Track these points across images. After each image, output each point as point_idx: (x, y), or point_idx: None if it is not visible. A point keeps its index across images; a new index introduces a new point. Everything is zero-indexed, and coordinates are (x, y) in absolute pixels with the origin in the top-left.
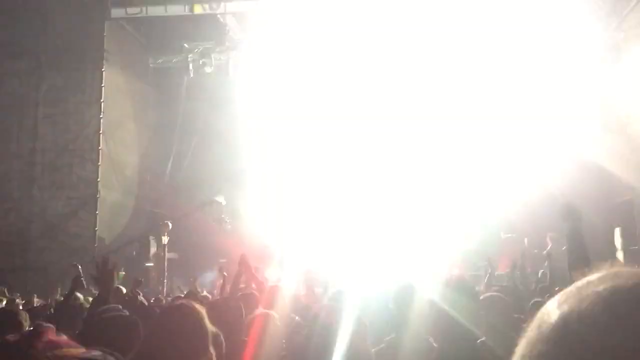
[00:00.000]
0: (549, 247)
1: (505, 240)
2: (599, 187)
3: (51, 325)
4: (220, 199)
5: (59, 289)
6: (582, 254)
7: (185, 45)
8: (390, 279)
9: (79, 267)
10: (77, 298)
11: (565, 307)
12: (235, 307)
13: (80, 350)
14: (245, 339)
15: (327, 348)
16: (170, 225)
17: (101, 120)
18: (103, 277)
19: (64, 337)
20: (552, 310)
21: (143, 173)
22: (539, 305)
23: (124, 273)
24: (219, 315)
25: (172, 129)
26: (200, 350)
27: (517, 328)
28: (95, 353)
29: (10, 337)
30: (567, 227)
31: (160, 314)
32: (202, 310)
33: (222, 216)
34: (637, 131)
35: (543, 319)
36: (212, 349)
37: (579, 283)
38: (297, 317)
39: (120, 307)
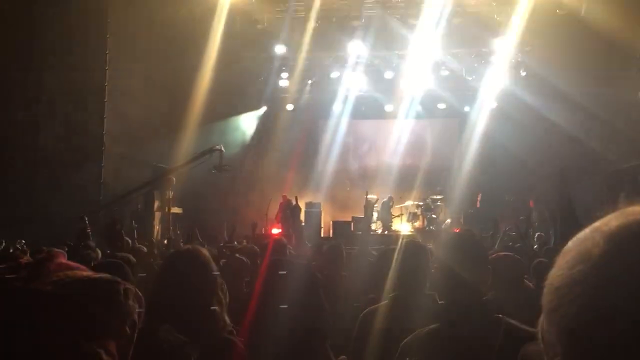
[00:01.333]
0: (532, 213)
1: (510, 202)
2: (606, 153)
3: (62, 251)
4: (220, 146)
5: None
6: (572, 219)
7: None
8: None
9: (86, 219)
10: (89, 247)
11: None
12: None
13: (91, 273)
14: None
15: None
16: (174, 180)
17: (106, 72)
18: (112, 236)
19: (75, 264)
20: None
21: (148, 125)
22: (543, 265)
23: (136, 226)
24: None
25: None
26: (209, 292)
27: (524, 286)
28: (105, 275)
29: (24, 259)
30: (558, 193)
31: (169, 257)
32: (208, 254)
33: (223, 164)
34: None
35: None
36: (220, 293)
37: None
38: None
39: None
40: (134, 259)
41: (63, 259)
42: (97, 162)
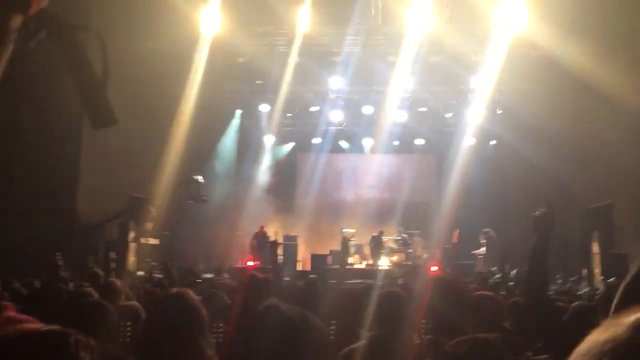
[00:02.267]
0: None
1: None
2: (579, 191)
3: (10, 303)
4: (198, 177)
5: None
6: (541, 270)
7: (174, 30)
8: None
9: (58, 257)
10: (60, 279)
11: None
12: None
13: (40, 325)
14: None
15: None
16: (154, 212)
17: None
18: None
19: (25, 316)
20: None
21: (124, 155)
22: (519, 305)
23: (115, 257)
24: None
25: None
26: (200, 335)
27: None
28: (55, 327)
29: None
30: (535, 236)
31: (158, 301)
32: (195, 297)
33: (200, 194)
34: (611, 139)
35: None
36: (209, 335)
37: None
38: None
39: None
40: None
41: (11, 312)
42: (72, 191)
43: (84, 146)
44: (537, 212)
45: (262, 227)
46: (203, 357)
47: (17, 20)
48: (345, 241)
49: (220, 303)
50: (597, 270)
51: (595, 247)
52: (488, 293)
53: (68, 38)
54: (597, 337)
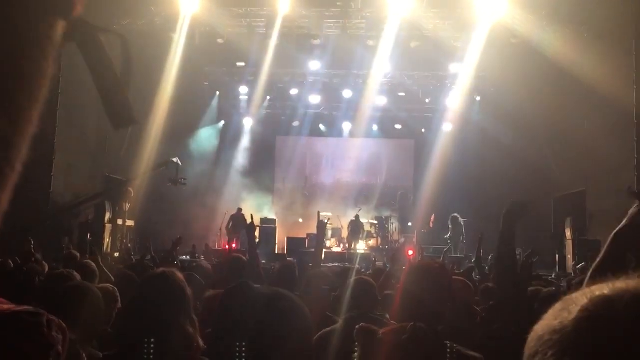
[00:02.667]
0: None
1: (464, 224)
2: (554, 177)
3: None
4: (176, 159)
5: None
6: (508, 259)
7: (152, 8)
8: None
9: (31, 241)
10: (35, 260)
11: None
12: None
13: (11, 306)
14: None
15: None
16: (132, 192)
17: (60, 81)
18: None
19: None
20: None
21: (101, 135)
22: (490, 290)
23: (91, 239)
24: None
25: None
26: (185, 314)
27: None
28: (27, 308)
29: None
30: (503, 224)
31: (144, 280)
32: (182, 276)
33: (179, 177)
34: (587, 126)
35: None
36: (194, 315)
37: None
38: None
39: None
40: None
41: None
42: (47, 172)
43: (60, 125)
44: (509, 206)
45: (239, 210)
46: (186, 334)
47: (61, 26)
48: (321, 224)
49: (197, 285)
50: (569, 256)
51: (569, 233)
52: (460, 278)
53: (92, 39)
54: (550, 320)
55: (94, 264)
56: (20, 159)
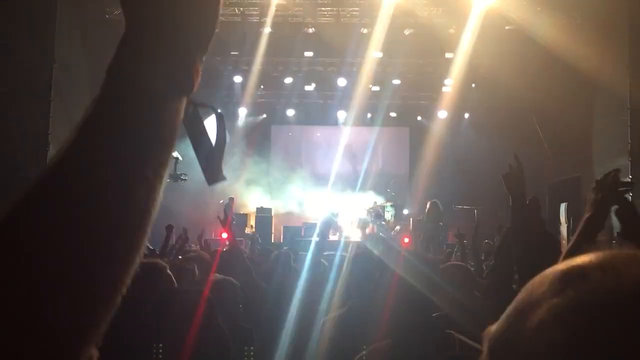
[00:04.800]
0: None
1: (458, 212)
2: (548, 164)
3: None
4: (176, 154)
5: None
6: (524, 228)
7: None
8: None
9: None
10: None
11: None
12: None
13: None
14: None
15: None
16: None
17: (53, 70)
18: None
19: None
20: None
21: None
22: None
23: None
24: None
25: None
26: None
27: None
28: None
29: None
30: (510, 197)
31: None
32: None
33: (178, 172)
34: (581, 112)
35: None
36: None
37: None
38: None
39: None
40: None
41: None
42: (41, 163)
43: (54, 118)
44: (506, 171)
45: (232, 199)
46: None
47: (185, 104)
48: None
49: (189, 277)
50: (564, 242)
51: (563, 219)
52: (459, 263)
53: (193, 112)
54: (530, 291)
55: None
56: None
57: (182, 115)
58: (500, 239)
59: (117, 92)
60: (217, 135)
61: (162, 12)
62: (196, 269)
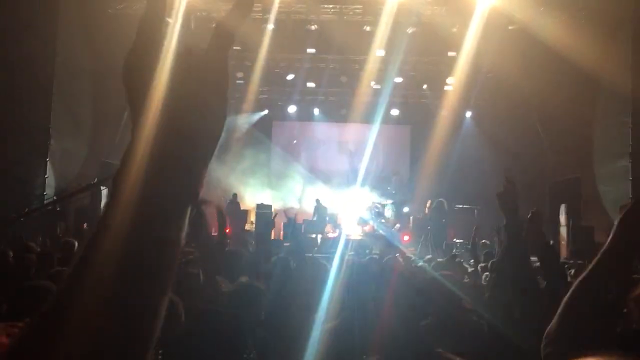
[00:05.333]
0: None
1: (458, 211)
2: (549, 164)
3: None
4: None
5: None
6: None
7: None
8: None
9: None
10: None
11: None
12: None
13: None
14: None
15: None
16: None
17: (54, 64)
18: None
19: None
20: None
21: (97, 121)
22: (477, 285)
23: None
24: None
25: None
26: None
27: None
28: None
29: None
30: (505, 217)
31: None
32: None
33: None
34: (585, 112)
35: None
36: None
37: None
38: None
39: None
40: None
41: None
42: (42, 157)
43: (55, 111)
44: (500, 189)
45: (235, 195)
46: None
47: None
48: (320, 209)
49: (196, 283)
50: (563, 242)
51: (563, 219)
52: (447, 272)
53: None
54: None
55: (75, 243)
56: None
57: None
58: (499, 254)
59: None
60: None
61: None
62: (201, 274)
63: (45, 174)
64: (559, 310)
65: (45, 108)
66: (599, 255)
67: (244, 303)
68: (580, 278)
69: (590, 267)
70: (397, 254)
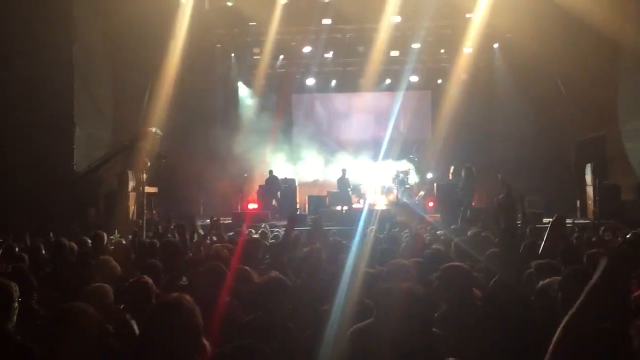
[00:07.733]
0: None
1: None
2: (574, 123)
3: None
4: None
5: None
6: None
7: None
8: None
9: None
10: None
11: None
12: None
13: None
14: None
15: None
16: (148, 163)
17: (73, 52)
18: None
19: None
20: None
21: (118, 104)
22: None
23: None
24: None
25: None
26: (194, 343)
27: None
28: None
29: None
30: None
31: (154, 310)
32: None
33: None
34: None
35: None
36: (205, 341)
37: None
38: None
39: None
40: None
41: None
42: (68, 144)
43: (77, 97)
44: (500, 197)
45: (270, 172)
46: None
47: None
48: (344, 181)
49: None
50: (590, 202)
51: (589, 179)
52: (457, 264)
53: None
54: None
55: (104, 236)
56: None
57: None
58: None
59: None
60: None
61: None
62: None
63: (73, 161)
64: (550, 348)
65: (68, 97)
66: (583, 294)
67: (273, 298)
68: (570, 312)
69: (578, 303)
70: (419, 226)
